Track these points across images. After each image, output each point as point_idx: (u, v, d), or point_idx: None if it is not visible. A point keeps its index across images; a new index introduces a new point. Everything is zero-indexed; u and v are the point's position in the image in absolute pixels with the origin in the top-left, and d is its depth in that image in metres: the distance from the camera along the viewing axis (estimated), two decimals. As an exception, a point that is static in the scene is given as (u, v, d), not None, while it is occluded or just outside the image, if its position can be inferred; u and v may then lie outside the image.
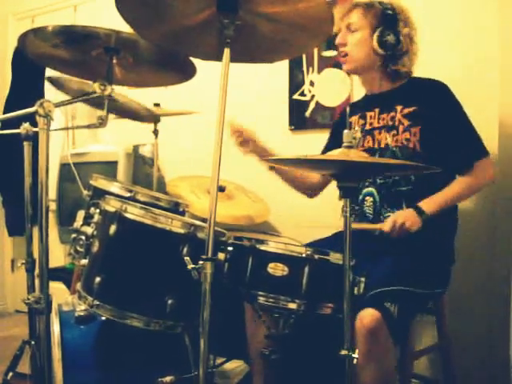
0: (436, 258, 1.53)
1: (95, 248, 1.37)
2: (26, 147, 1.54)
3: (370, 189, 1.62)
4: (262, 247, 1.31)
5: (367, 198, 1.63)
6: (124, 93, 1.71)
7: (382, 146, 1.61)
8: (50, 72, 2.23)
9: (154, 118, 2.01)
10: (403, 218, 1.42)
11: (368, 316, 1.26)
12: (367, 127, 1.67)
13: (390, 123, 1.59)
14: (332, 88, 2.30)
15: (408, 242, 1.47)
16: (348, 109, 1.72)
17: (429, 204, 1.47)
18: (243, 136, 1.72)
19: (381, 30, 1.56)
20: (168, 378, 1.27)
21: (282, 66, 2.41)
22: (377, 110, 1.65)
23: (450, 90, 1.55)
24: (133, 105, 1.82)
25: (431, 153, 1.51)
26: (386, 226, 1.43)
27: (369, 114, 1.68)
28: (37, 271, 1.26)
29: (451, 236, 1.62)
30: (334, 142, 1.80)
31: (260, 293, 1.28)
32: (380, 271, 1.37)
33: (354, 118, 1.73)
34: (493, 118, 1.89)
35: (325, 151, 1.88)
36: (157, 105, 2.17)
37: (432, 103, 1.53)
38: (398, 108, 1.58)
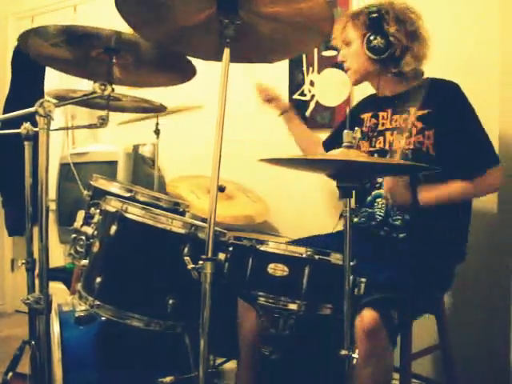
0: (444, 263, 1.52)
1: (96, 248, 1.37)
2: (27, 147, 1.54)
3: (382, 191, 1.60)
4: (262, 247, 1.30)
5: (378, 199, 1.62)
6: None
7: (394, 147, 1.58)
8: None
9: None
10: (402, 187, 1.45)
11: (367, 317, 1.26)
12: (379, 127, 1.65)
13: (403, 125, 1.57)
14: (332, 88, 2.31)
15: (416, 244, 1.48)
16: (348, 109, 1.71)
17: (427, 196, 1.46)
18: (268, 95, 1.96)
19: (368, 36, 1.56)
20: (168, 379, 1.27)
21: (282, 66, 2.40)
22: (389, 111, 1.63)
23: (462, 92, 1.53)
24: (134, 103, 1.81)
25: (444, 156, 1.48)
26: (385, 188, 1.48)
27: (381, 113, 1.66)
28: (37, 271, 1.26)
29: (462, 239, 1.60)
30: (335, 139, 1.80)
31: (260, 293, 1.28)
32: (386, 275, 1.36)
33: (366, 116, 1.71)
34: (493, 119, 1.88)
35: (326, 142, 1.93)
36: (157, 105, 2.17)
37: (446, 106, 1.51)
38: (412, 110, 1.55)
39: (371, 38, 1.55)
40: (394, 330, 1.30)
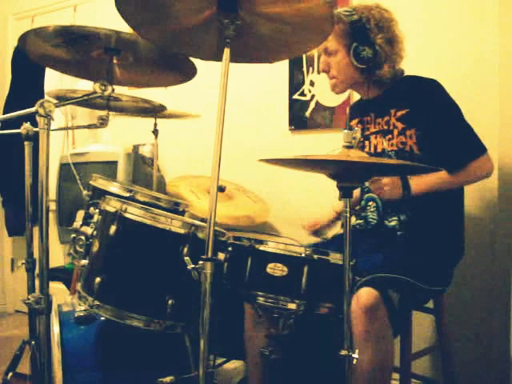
0: (441, 257, 1.53)
1: (95, 248, 1.37)
2: (27, 147, 1.54)
3: (372, 194, 1.61)
4: (261, 247, 1.31)
5: (370, 203, 1.63)
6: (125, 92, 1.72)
7: (379, 150, 1.60)
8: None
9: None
10: (389, 185, 1.44)
11: (365, 294, 1.26)
12: (365, 132, 1.66)
13: (385, 127, 1.59)
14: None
15: (413, 241, 1.48)
16: (348, 110, 1.71)
17: (418, 185, 1.47)
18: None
19: (355, 47, 1.53)
20: (168, 378, 1.27)
21: (282, 66, 2.41)
22: (372, 115, 1.65)
23: (441, 88, 1.52)
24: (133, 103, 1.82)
25: (429, 154, 1.49)
26: (375, 183, 1.45)
27: (366, 118, 1.68)
28: (37, 271, 1.26)
29: (458, 235, 1.61)
30: None
31: (259, 293, 1.28)
32: (383, 257, 1.37)
33: (354, 122, 1.73)
34: (493, 119, 1.89)
35: None
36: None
37: (423, 103, 1.51)
38: (392, 111, 1.57)
39: (360, 48, 1.53)
40: (394, 312, 1.29)
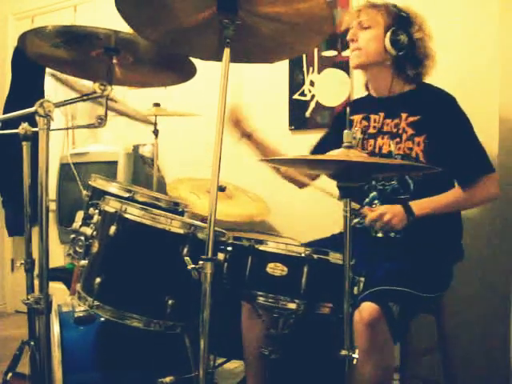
0: (440, 262, 1.53)
1: (95, 249, 1.37)
2: (25, 147, 1.54)
3: (375, 193, 1.62)
4: (261, 247, 1.31)
5: (376, 201, 1.62)
6: (124, 94, 1.72)
7: (384, 151, 1.59)
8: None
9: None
10: (391, 214, 1.43)
11: (367, 309, 1.27)
12: (371, 130, 1.65)
13: (394, 130, 1.58)
14: (332, 88, 2.31)
15: (412, 244, 1.47)
16: (348, 109, 1.71)
17: (420, 207, 1.46)
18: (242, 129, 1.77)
19: (394, 30, 1.55)
20: (168, 379, 1.27)
21: (282, 66, 2.41)
22: (382, 114, 1.63)
23: (457, 103, 1.54)
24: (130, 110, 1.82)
25: (434, 163, 1.48)
26: (372, 214, 1.44)
27: (373, 116, 1.66)
28: (36, 271, 1.26)
29: (456, 238, 1.62)
30: (332, 137, 1.78)
31: (259, 293, 1.28)
32: (383, 270, 1.37)
33: (357, 117, 1.70)
34: (493, 120, 1.88)
35: (320, 143, 1.87)
36: (157, 105, 2.17)
37: (437, 114, 1.52)
38: (403, 115, 1.57)
39: (399, 32, 1.55)
40: (394, 323, 1.30)
